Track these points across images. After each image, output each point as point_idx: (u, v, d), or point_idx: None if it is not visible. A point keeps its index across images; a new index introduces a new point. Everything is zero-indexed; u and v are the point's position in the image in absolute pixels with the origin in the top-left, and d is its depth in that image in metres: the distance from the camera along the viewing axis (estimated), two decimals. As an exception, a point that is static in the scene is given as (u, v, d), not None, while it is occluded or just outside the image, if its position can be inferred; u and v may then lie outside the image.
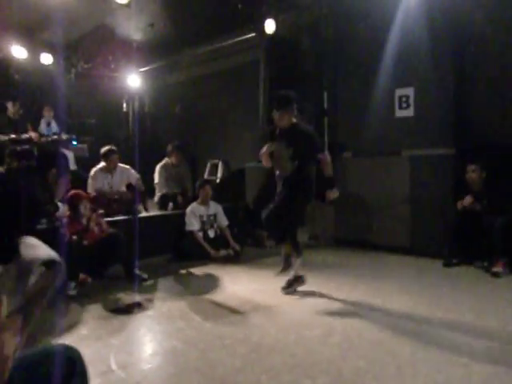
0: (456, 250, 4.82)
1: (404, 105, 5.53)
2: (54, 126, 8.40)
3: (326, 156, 3.73)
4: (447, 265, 4.77)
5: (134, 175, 5.65)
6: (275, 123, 3.76)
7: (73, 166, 7.10)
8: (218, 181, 7.74)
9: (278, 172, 3.86)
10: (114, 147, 5.55)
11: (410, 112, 5.49)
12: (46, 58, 8.26)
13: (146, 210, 5.75)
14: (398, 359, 2.57)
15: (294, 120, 3.71)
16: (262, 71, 6.79)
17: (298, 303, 3.67)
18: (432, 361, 2.54)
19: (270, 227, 3.99)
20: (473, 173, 4.75)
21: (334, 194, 3.85)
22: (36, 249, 1.28)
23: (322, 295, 3.85)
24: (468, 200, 4.68)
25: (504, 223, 4.35)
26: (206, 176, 8.01)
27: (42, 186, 2.70)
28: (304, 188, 3.79)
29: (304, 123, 3.80)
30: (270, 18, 6.21)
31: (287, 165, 3.67)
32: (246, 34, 6.91)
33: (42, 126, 8.24)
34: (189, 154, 7.51)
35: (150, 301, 3.83)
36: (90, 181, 5.39)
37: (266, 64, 6.72)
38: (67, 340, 2.95)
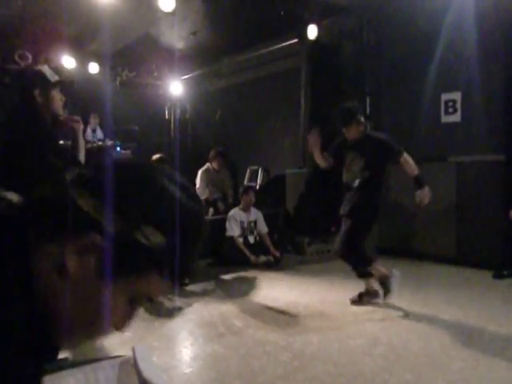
0: (507, 260, 4.60)
1: (450, 110, 5.35)
2: (99, 133, 8.68)
3: (406, 157, 3.52)
4: (497, 276, 4.56)
5: None
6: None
7: None
8: (257, 187, 7.73)
9: (347, 181, 3.72)
10: (163, 156, 5.66)
11: (457, 117, 5.31)
12: (93, 67, 8.54)
13: None
14: (448, 374, 2.46)
15: (364, 130, 3.60)
16: (303, 77, 6.75)
17: (341, 311, 3.59)
18: (485, 378, 2.41)
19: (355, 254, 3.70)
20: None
21: (423, 194, 3.51)
22: None
23: (365, 304, 3.75)
24: None
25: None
26: (245, 182, 8.03)
27: None
28: (375, 203, 3.66)
29: (377, 132, 3.68)
30: (312, 23, 6.18)
31: (360, 175, 3.57)
32: (287, 41, 6.91)
33: (88, 133, 8.52)
34: (229, 160, 7.55)
35: (191, 305, 3.85)
36: None
37: (308, 70, 6.67)
38: (110, 341, 3.00)
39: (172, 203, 0.66)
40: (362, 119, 3.57)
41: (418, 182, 3.53)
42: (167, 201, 0.66)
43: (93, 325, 0.68)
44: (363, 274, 3.70)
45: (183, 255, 0.67)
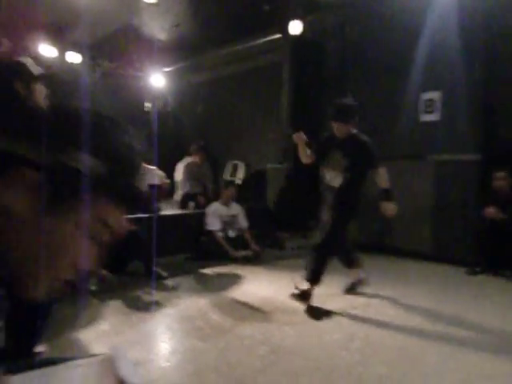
0: (480, 258, 4.72)
1: (429, 109, 5.44)
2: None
3: (381, 169, 3.55)
4: (471, 273, 4.67)
5: (158, 175, 5.69)
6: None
7: None
8: (238, 182, 7.73)
9: (328, 180, 3.68)
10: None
11: (435, 116, 5.40)
12: (73, 57, 8.38)
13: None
14: (423, 367, 2.51)
15: (353, 131, 3.56)
16: (285, 73, 6.76)
17: (318, 306, 3.63)
18: (458, 372, 2.47)
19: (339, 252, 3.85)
20: (501, 180, 4.65)
21: (390, 207, 3.59)
22: None
23: (342, 299, 3.80)
24: (491, 211, 4.59)
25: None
26: (226, 177, 8.02)
27: None
28: (352, 204, 3.66)
29: (362, 134, 3.61)
30: (295, 19, 6.18)
31: (341, 176, 3.56)
32: (270, 36, 6.90)
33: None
34: (210, 154, 7.53)
35: (169, 299, 3.84)
36: None
37: (290, 65, 6.68)
38: (88, 335, 2.98)
39: (102, 129, 0.68)
40: (356, 120, 3.55)
41: (387, 196, 3.55)
42: (97, 127, 0.67)
43: (51, 263, 0.66)
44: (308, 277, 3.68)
45: (121, 179, 0.69)
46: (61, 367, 0.89)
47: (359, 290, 4.00)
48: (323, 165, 3.69)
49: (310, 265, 3.65)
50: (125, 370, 0.89)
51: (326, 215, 3.67)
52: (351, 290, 4.00)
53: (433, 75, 5.39)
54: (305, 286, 3.69)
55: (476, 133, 5.07)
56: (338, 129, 3.51)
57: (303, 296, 3.67)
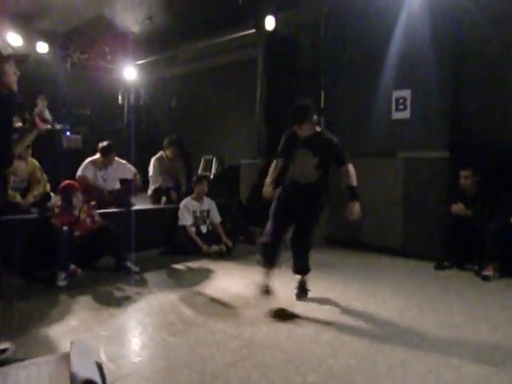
0: (448, 253, 4.85)
1: (401, 107, 5.54)
2: (48, 116, 8.32)
3: (350, 167, 3.52)
4: (439, 267, 4.79)
5: (130, 170, 5.61)
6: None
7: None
8: (211, 177, 7.71)
9: (297, 178, 3.64)
10: (111, 143, 5.49)
11: (406, 114, 5.50)
12: (42, 47, 8.17)
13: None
14: (389, 358, 2.58)
15: (318, 129, 3.57)
16: (259, 68, 6.76)
17: (290, 301, 3.66)
18: (423, 361, 2.55)
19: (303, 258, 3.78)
20: (465, 179, 4.79)
21: (356, 209, 3.47)
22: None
23: (314, 294, 3.84)
24: (457, 208, 4.73)
25: (495, 228, 4.39)
26: (200, 171, 7.99)
27: None
28: (324, 200, 3.69)
29: (328, 132, 3.63)
30: (270, 14, 6.18)
31: (312, 173, 3.56)
32: (245, 31, 6.88)
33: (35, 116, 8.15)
34: (184, 149, 7.48)
35: (141, 294, 3.81)
36: (80, 168, 5.35)
37: (265, 61, 6.69)
38: (57, 331, 2.93)
39: None
40: (316, 118, 3.57)
41: (353, 194, 3.52)
42: None
43: None
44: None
45: None
46: (15, 366, 0.87)
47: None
48: (291, 162, 3.69)
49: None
50: (79, 367, 0.88)
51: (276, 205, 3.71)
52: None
53: (405, 74, 5.48)
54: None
55: (444, 131, 5.20)
56: (300, 129, 3.52)
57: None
